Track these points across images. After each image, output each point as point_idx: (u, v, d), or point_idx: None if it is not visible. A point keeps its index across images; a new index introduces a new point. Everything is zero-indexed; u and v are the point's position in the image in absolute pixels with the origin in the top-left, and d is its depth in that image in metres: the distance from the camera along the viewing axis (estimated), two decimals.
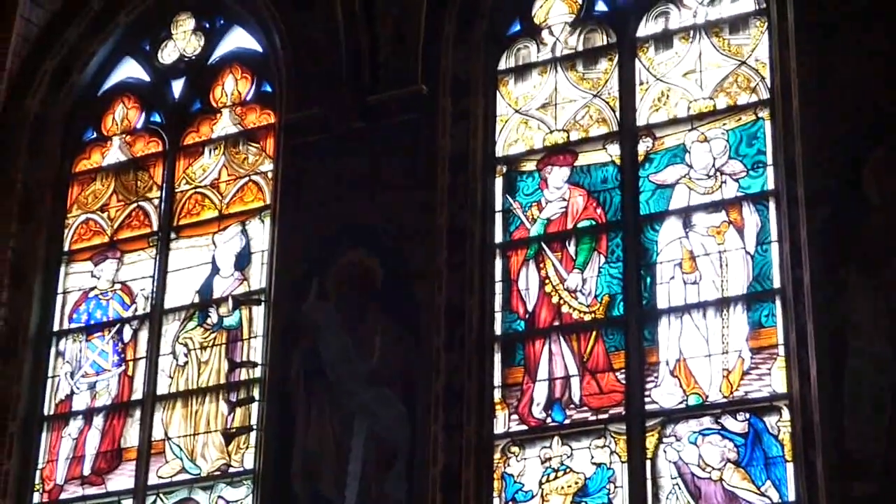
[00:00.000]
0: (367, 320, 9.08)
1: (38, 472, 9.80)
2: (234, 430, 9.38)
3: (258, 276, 9.78)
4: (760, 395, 8.19)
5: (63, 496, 9.69)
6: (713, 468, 8.14)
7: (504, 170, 9.37)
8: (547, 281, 9.00)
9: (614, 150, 9.09)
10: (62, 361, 10.10)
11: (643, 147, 9.02)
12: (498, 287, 9.07)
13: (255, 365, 9.50)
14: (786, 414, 8.06)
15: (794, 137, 8.41)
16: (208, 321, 9.82)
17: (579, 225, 9.05)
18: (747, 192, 8.66)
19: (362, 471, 8.71)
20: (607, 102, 9.25)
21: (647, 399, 8.43)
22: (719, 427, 8.21)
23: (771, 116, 8.70)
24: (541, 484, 8.51)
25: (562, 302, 8.92)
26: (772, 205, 8.53)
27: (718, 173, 8.78)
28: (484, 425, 8.73)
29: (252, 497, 9.13)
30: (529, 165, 9.34)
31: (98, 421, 9.84)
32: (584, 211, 9.09)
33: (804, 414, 7.89)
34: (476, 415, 8.73)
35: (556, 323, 8.87)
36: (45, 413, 9.96)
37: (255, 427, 9.29)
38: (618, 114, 9.17)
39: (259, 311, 9.65)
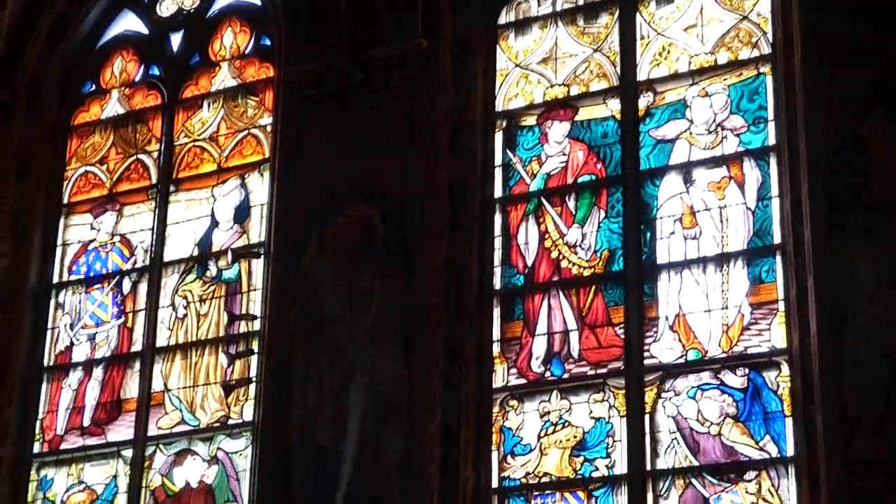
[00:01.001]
0: (366, 275, 9.08)
1: (38, 422, 9.83)
2: (233, 382, 9.41)
3: (257, 230, 9.78)
4: (760, 351, 8.21)
5: (63, 446, 9.73)
6: (712, 423, 8.17)
7: (504, 124, 9.35)
8: (546, 236, 9.01)
9: (615, 104, 9.08)
10: (62, 313, 10.11)
11: (644, 102, 9.00)
12: (497, 242, 9.07)
13: (254, 318, 9.52)
14: (785, 369, 8.09)
15: (795, 93, 8.40)
16: (207, 274, 9.83)
17: (579, 180, 9.05)
18: (748, 148, 8.65)
19: (361, 425, 8.72)
20: (608, 57, 9.23)
21: (646, 354, 8.45)
22: (718, 382, 8.24)
23: (772, 71, 8.68)
24: (539, 437, 8.55)
25: (561, 257, 8.93)
26: (773, 160, 8.52)
27: (719, 128, 8.78)
28: (482, 379, 8.75)
29: (251, 449, 9.16)
30: (530, 120, 9.32)
31: (98, 372, 9.86)
32: (584, 166, 9.08)
33: (804, 369, 7.92)
34: (475, 369, 8.75)
35: (556, 278, 8.89)
36: (46, 364, 9.98)
37: (254, 379, 9.32)
38: (618, 68, 9.14)
39: (258, 265, 9.66)
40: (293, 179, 9.55)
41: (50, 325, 10.07)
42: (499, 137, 9.32)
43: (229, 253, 9.76)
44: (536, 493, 8.43)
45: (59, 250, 10.27)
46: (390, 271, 9.01)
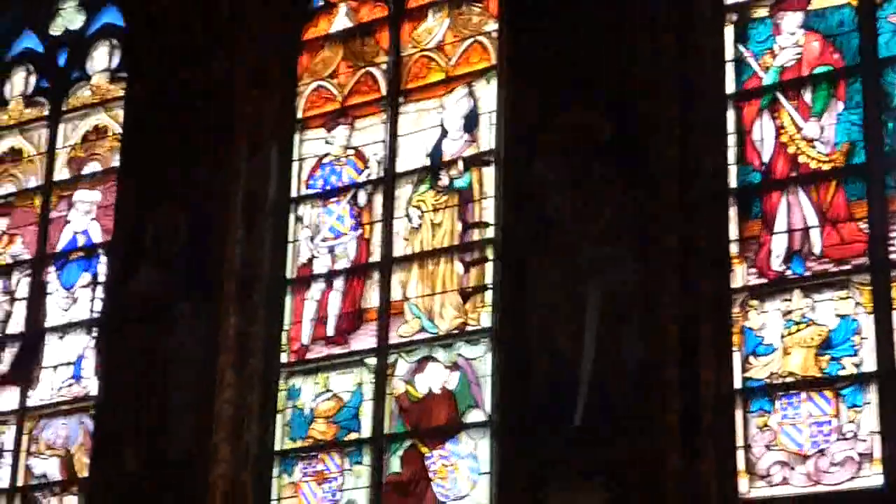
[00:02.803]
0: (596, 177, 9.04)
1: (284, 334, 10.11)
2: (470, 289, 9.52)
3: (487, 137, 9.81)
4: None
5: (309, 356, 9.99)
6: None
7: (734, 18, 9.11)
8: (783, 131, 8.78)
9: None
10: (301, 226, 10.33)
11: None
12: (731, 139, 8.89)
13: (487, 225, 9.58)
14: None
15: None
16: (440, 183, 9.93)
17: (815, 71, 8.77)
18: None
19: (597, 328, 8.73)
20: None
21: (891, 248, 8.19)
22: None
23: None
24: (782, 337, 8.41)
25: (799, 152, 8.70)
26: None
27: None
28: (721, 280, 8.63)
29: (490, 354, 9.27)
30: (761, 12, 9.05)
31: (339, 283, 10.08)
32: (819, 56, 8.80)
33: None
34: (712, 269, 8.63)
35: (794, 174, 8.67)
36: (288, 277, 10.24)
37: (490, 286, 9.40)
38: None
39: (489, 172, 9.70)
40: (520, 84, 9.53)
41: (290, 239, 10.30)
42: (729, 32, 9.08)
43: (460, 162, 9.83)
44: (781, 393, 8.31)
45: (295, 165, 10.48)
46: (622, 172, 8.94)
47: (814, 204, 8.55)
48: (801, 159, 8.68)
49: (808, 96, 8.76)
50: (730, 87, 8.99)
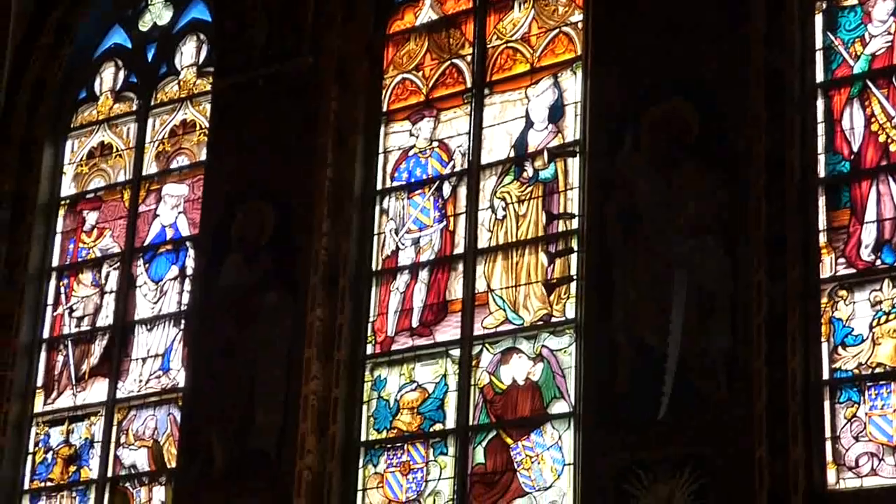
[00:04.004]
0: (682, 167, 8.97)
1: (369, 325, 10.14)
2: (554, 280, 9.49)
3: (572, 128, 9.79)
4: None
5: (394, 347, 10.02)
6: None
7: (824, 6, 9.00)
8: (873, 119, 8.67)
9: None
10: (387, 219, 10.37)
11: None
12: (820, 128, 8.78)
13: (572, 216, 9.56)
14: None
15: None
16: (524, 175, 9.91)
17: None
18: None
19: (684, 320, 8.66)
20: None
21: None
22: None
23: None
24: (871, 327, 8.29)
25: (889, 140, 8.58)
26: None
27: None
28: (809, 270, 8.53)
29: (575, 346, 9.24)
30: (851, 0, 8.94)
31: (423, 275, 10.10)
32: None
33: None
34: (800, 260, 8.53)
35: (884, 162, 8.55)
36: (374, 269, 10.28)
37: (574, 277, 9.37)
38: None
39: (574, 163, 9.67)
40: (606, 76, 9.49)
41: (376, 231, 10.34)
42: (818, 20, 8.98)
43: (545, 153, 9.81)
44: (870, 383, 8.19)
45: (380, 157, 10.52)
46: (709, 163, 8.87)
47: None
48: (892, 148, 8.57)
49: None
50: (819, 75, 8.89)
